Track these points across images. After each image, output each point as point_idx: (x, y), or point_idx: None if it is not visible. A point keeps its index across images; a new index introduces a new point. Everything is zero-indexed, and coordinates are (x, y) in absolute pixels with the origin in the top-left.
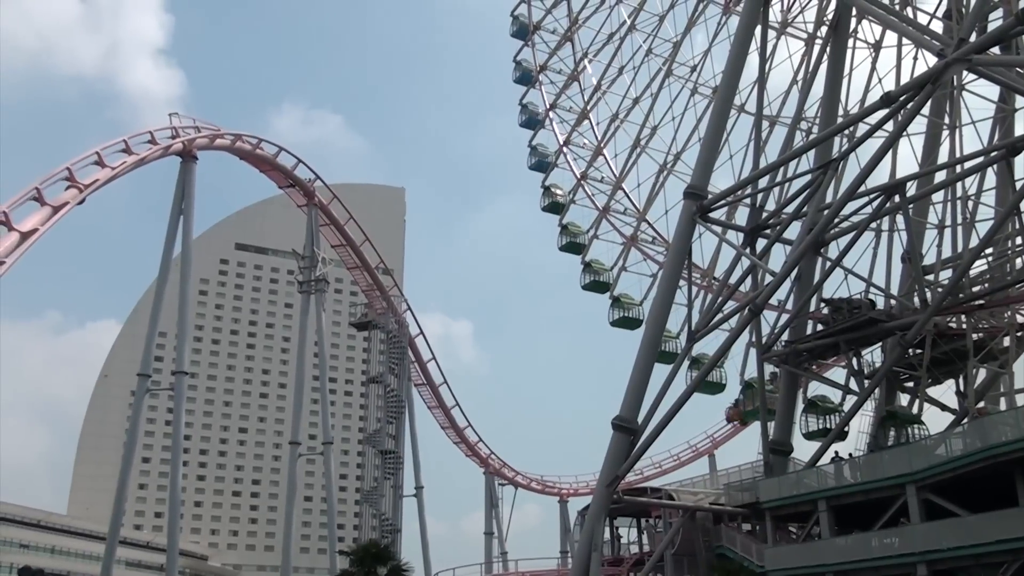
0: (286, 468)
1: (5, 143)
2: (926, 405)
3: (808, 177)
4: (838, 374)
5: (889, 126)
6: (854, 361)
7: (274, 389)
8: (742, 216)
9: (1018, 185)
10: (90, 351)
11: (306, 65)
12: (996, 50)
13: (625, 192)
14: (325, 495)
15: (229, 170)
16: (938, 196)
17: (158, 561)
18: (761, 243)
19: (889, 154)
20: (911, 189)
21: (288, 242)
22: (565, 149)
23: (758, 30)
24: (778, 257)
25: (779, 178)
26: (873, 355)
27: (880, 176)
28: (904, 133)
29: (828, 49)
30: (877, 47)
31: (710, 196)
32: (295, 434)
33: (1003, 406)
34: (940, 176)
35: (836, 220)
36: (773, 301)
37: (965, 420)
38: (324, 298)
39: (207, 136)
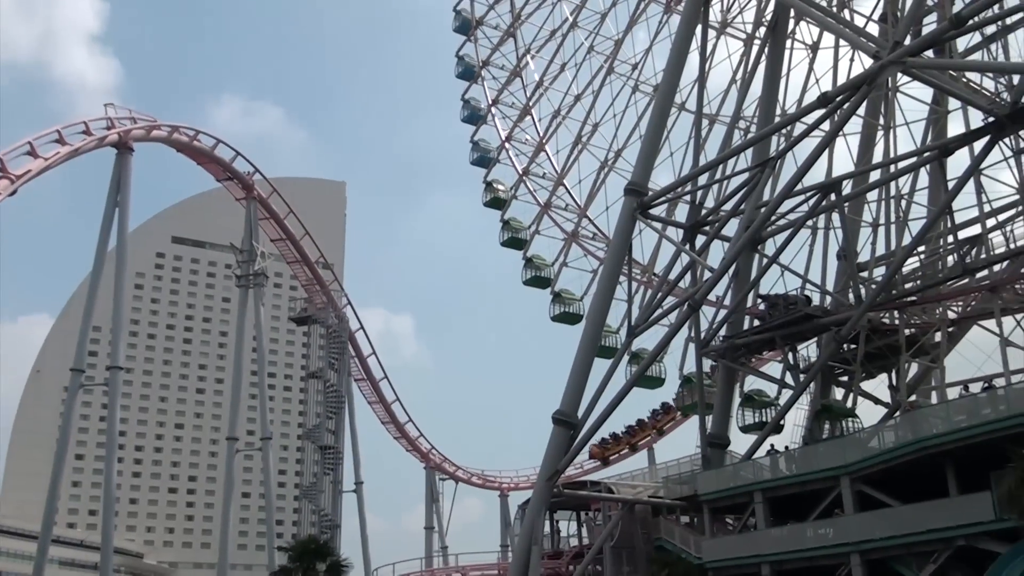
0: (223, 464)
1: None
2: (860, 399)
3: (746, 175)
4: (774, 368)
5: (826, 126)
6: (790, 356)
7: (211, 384)
8: (682, 213)
9: (950, 185)
10: (22, 346)
11: (246, 55)
12: (930, 53)
13: (567, 188)
14: (263, 491)
15: (166, 162)
16: (873, 195)
17: (92, 560)
18: (700, 240)
19: (825, 153)
20: (846, 188)
21: (226, 236)
22: (507, 145)
23: (698, 29)
24: (717, 253)
25: (718, 175)
26: (808, 350)
27: (816, 175)
28: (840, 133)
29: (766, 50)
30: (815, 48)
31: (650, 193)
32: (232, 430)
33: (934, 400)
34: (875, 175)
35: (773, 217)
36: (711, 297)
37: (897, 413)
38: (263, 293)
39: (143, 127)
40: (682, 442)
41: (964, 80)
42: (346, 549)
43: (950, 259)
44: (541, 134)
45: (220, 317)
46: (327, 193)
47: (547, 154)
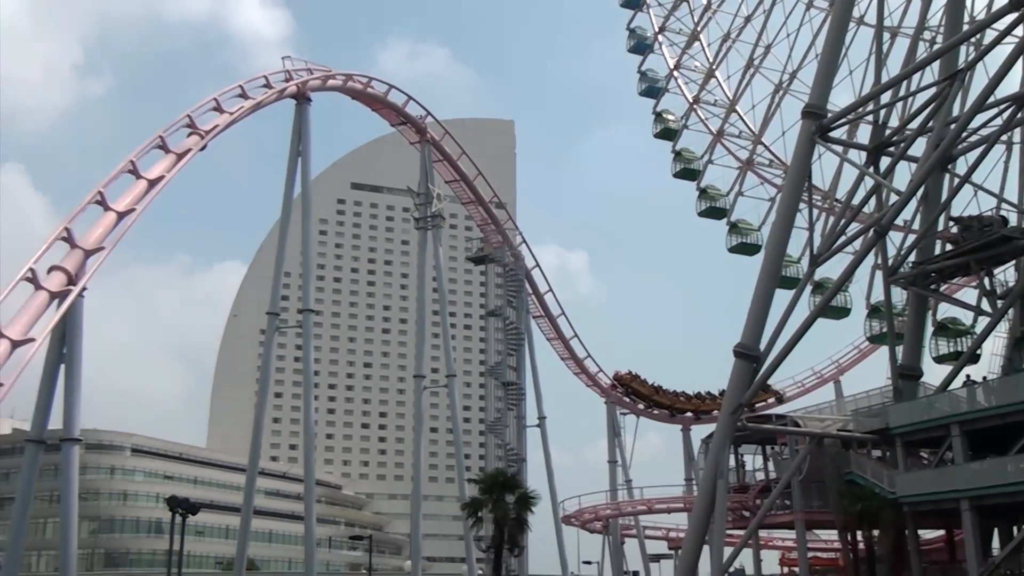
0: (411, 400)
1: (127, 93)
2: None
3: (933, 90)
4: (969, 295)
5: (1020, 31)
6: (986, 281)
7: (395, 324)
8: (864, 134)
9: None
10: (218, 292)
11: None
12: None
13: (739, 115)
14: (450, 426)
15: (342, 110)
16: None
17: (295, 490)
18: (885, 161)
19: (1020, 61)
20: None
21: (402, 179)
22: (676, 73)
23: None
24: (903, 175)
25: (902, 92)
26: (1006, 274)
27: (1010, 85)
28: None
29: None
30: None
31: (829, 115)
32: (419, 368)
33: None
34: None
35: (964, 134)
36: (899, 221)
37: None
38: (440, 234)
39: (319, 77)
40: (871, 375)
41: None
42: (532, 482)
43: None
44: (711, 60)
45: (400, 259)
46: (496, 132)
47: (718, 80)
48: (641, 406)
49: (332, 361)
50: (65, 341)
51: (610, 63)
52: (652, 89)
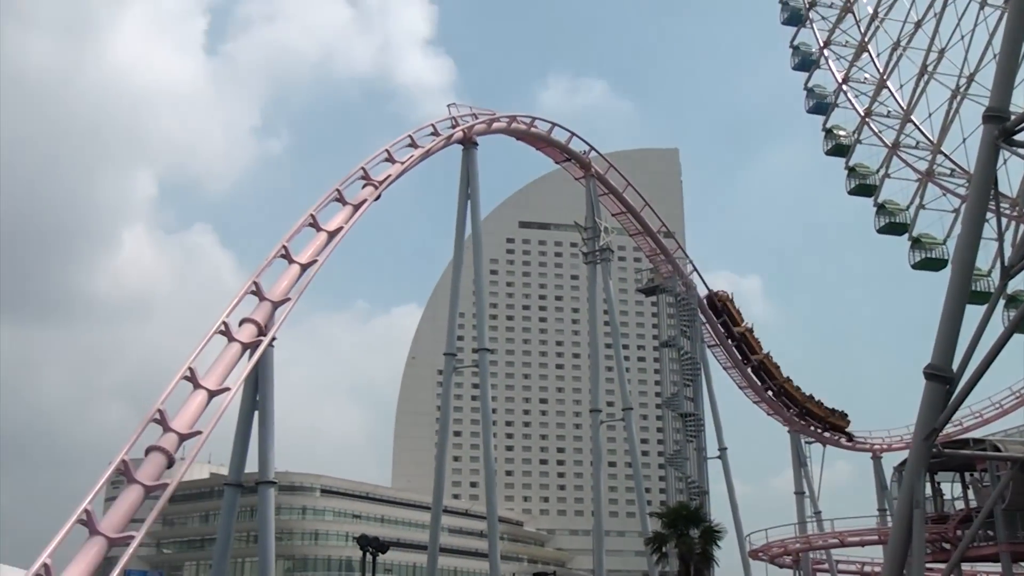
0: (588, 435)
1: (302, 149)
2: None
3: None
4: None
5: None
6: None
7: (568, 359)
8: None
9: None
10: (395, 334)
11: (565, 35)
12: None
13: (915, 124)
14: (628, 460)
15: (507, 151)
16: None
17: (477, 527)
18: None
19: None
20: None
21: (569, 215)
22: (845, 87)
23: None
24: None
25: None
26: None
27: None
28: None
29: None
30: None
31: (1013, 117)
32: (595, 402)
33: None
34: None
35: None
36: None
37: None
38: (609, 267)
39: (484, 121)
40: None
41: None
42: (715, 515)
43: None
44: (881, 70)
45: (571, 294)
46: (661, 162)
47: (890, 91)
48: (827, 434)
49: (508, 398)
50: (257, 389)
51: (774, 82)
52: (820, 105)
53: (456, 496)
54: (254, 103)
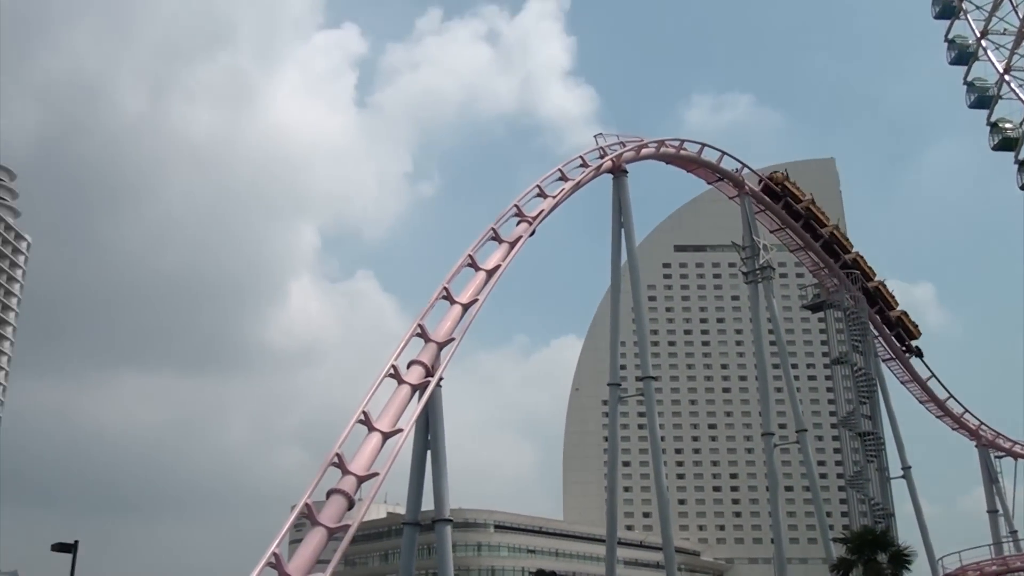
0: (760, 459)
1: (454, 190)
2: None
3: None
4: None
5: None
6: None
7: (735, 382)
8: None
9: None
10: (556, 367)
11: (705, 52)
12: None
13: None
14: (805, 483)
15: (656, 175)
16: None
17: (653, 559)
18: None
19: None
20: None
21: (725, 235)
22: (1007, 77)
23: None
24: None
25: None
26: None
27: None
28: None
29: None
30: None
31: None
32: (767, 425)
33: None
34: None
35: None
36: None
37: None
38: (771, 285)
39: (633, 148)
40: None
41: None
42: (903, 538)
43: None
44: None
45: (732, 315)
46: (817, 173)
47: None
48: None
49: (676, 424)
50: (428, 428)
51: (929, 79)
52: (983, 99)
53: (629, 528)
54: (405, 149)
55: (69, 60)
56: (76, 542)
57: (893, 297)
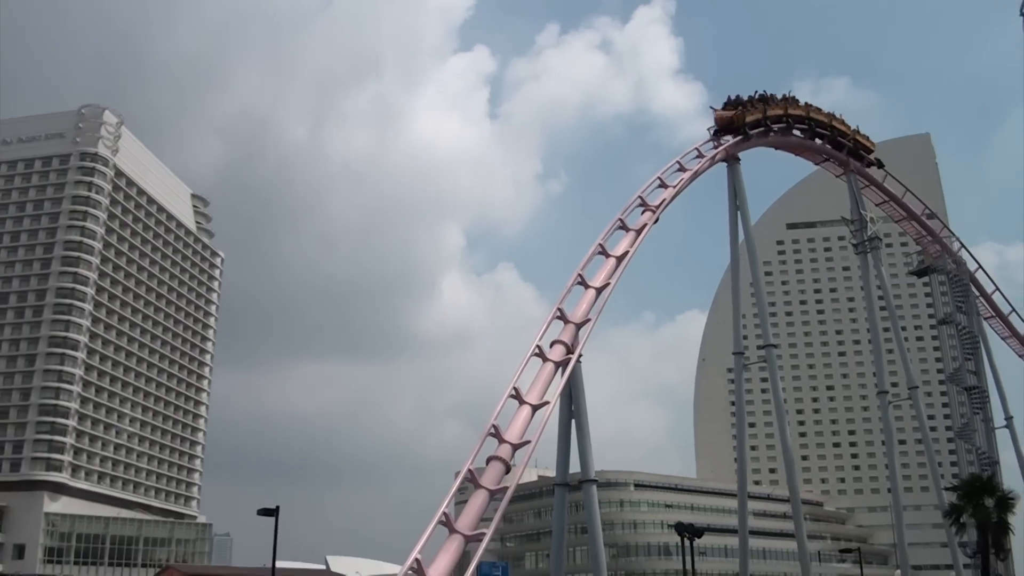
0: (875, 415)
1: (579, 185)
2: None
3: None
4: None
5: None
6: None
7: (849, 346)
8: None
9: None
10: (682, 339)
11: (803, 41)
12: None
13: None
14: (918, 436)
15: (767, 158)
16: None
17: (780, 510)
18: None
19: None
20: None
21: (834, 211)
22: None
23: None
24: None
25: None
26: None
27: None
28: None
29: None
30: None
31: None
32: (882, 384)
33: None
34: None
35: None
36: None
37: None
38: (879, 255)
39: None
40: None
41: None
42: (1007, 484)
43: None
44: None
45: (844, 285)
46: (914, 148)
47: None
48: None
49: (796, 388)
50: (572, 400)
51: (1016, 42)
52: None
53: (757, 482)
54: (534, 153)
55: (241, 97)
56: (277, 507)
57: None
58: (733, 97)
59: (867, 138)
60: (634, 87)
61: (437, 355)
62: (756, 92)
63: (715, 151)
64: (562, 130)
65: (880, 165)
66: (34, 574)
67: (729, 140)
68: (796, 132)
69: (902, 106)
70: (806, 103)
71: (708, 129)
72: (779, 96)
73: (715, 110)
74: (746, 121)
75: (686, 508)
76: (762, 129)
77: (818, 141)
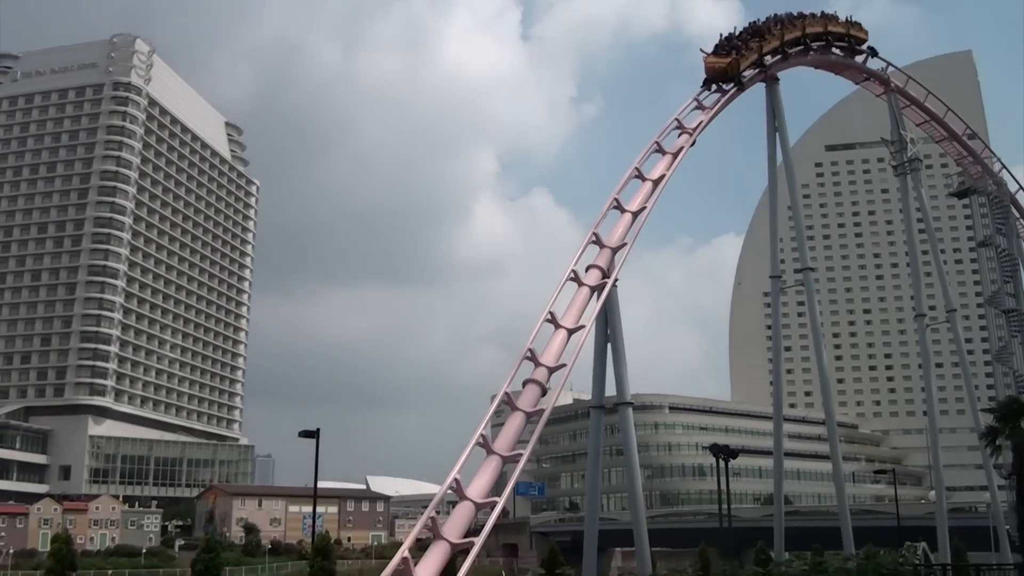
0: (911, 339)
1: (614, 108)
2: None
3: None
4: None
5: None
6: None
7: (887, 269)
8: None
9: None
10: (717, 263)
11: None
12: None
13: None
14: (954, 359)
15: (805, 79)
16: None
17: (814, 432)
18: None
19: None
20: None
21: (873, 132)
22: None
23: None
24: None
25: None
26: None
27: None
28: None
29: None
30: None
31: None
32: (920, 307)
33: None
34: None
35: None
36: None
37: None
38: (919, 176)
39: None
40: None
41: None
42: None
43: None
44: None
45: (882, 207)
46: (956, 66)
47: None
48: None
49: (832, 312)
50: (607, 324)
51: None
52: None
53: (792, 405)
54: (568, 75)
55: (272, 24)
56: (318, 429)
57: None
58: (724, 36)
59: (859, 26)
60: (669, 5)
61: (471, 281)
62: (760, 20)
63: (754, 72)
64: (596, 52)
65: (874, 53)
66: (80, 493)
67: (768, 59)
68: (835, 51)
69: (943, 22)
70: (822, 12)
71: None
72: (795, 14)
73: (705, 55)
74: (741, 69)
75: (720, 431)
76: (800, 48)
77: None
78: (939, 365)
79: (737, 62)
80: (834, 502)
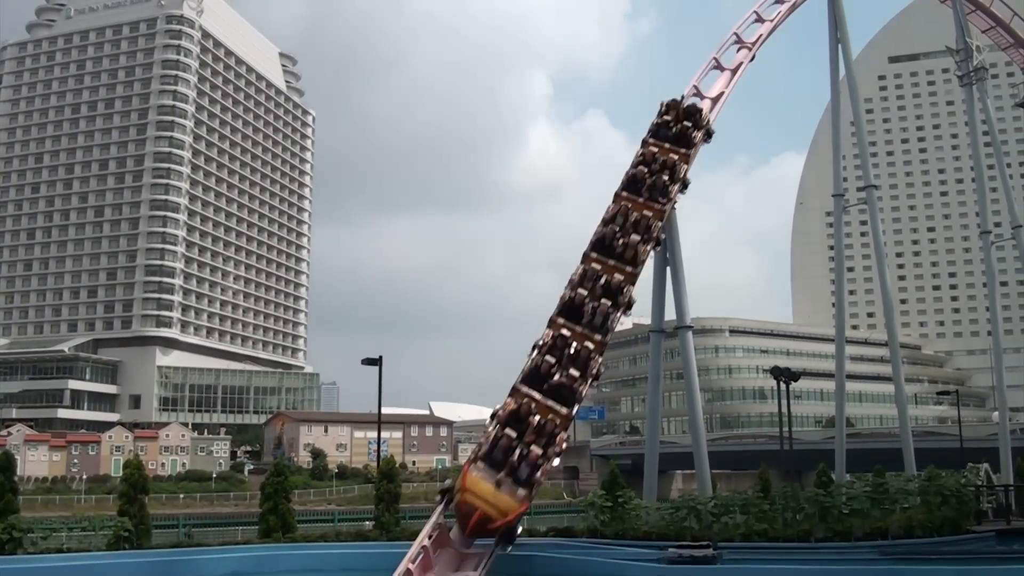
0: (976, 257)
1: (670, 23)
2: None
3: None
4: None
5: None
6: None
7: (952, 185)
8: None
9: None
10: (778, 182)
11: None
12: None
13: None
14: (1020, 277)
15: None
16: None
17: (877, 354)
18: None
19: None
20: None
21: (938, 41)
22: None
23: None
24: None
25: None
26: None
27: None
28: None
29: None
30: None
31: None
32: (984, 224)
33: None
34: None
35: None
36: None
37: None
38: (985, 86)
39: None
40: None
41: None
42: None
43: None
44: None
45: (947, 120)
46: None
47: None
48: None
49: (896, 230)
50: (666, 246)
51: None
52: None
53: (854, 327)
54: None
55: None
56: (380, 357)
57: None
58: None
59: None
60: None
61: (527, 207)
62: None
63: None
64: None
65: None
66: (151, 421)
67: None
68: None
69: None
70: None
71: None
72: None
73: None
74: None
75: (781, 353)
76: None
77: None
78: (1004, 284)
79: None
80: (896, 424)
